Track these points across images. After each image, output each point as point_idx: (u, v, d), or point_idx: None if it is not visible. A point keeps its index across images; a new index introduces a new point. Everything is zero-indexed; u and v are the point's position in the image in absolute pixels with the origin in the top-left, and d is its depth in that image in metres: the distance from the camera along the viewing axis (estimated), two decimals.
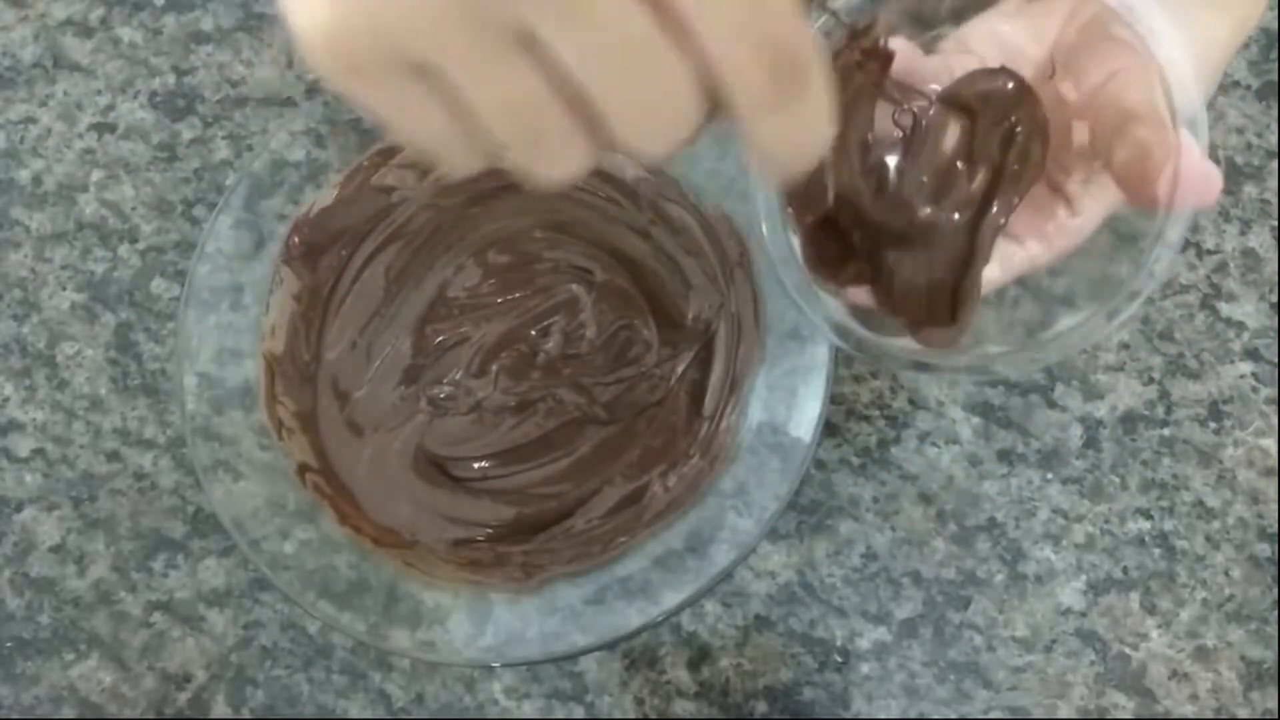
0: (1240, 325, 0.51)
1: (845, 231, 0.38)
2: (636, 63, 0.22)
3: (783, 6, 0.22)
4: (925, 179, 0.37)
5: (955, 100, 0.37)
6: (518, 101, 0.22)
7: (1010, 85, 0.36)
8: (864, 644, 0.48)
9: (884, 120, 0.38)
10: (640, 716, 0.48)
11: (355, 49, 0.23)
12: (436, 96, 0.23)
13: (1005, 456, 0.50)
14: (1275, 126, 0.52)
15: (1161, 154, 0.32)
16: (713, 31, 0.21)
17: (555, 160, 0.24)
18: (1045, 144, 0.36)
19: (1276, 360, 0.50)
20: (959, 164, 0.37)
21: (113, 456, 0.52)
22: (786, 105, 0.23)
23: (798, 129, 0.23)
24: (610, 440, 0.49)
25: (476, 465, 0.49)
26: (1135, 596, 0.48)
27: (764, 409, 0.48)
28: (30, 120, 0.57)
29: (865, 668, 0.48)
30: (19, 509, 0.52)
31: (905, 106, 0.37)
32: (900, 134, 0.38)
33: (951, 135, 0.37)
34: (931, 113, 0.37)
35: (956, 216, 0.37)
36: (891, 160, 0.38)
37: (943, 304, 0.37)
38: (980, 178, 0.37)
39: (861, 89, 0.37)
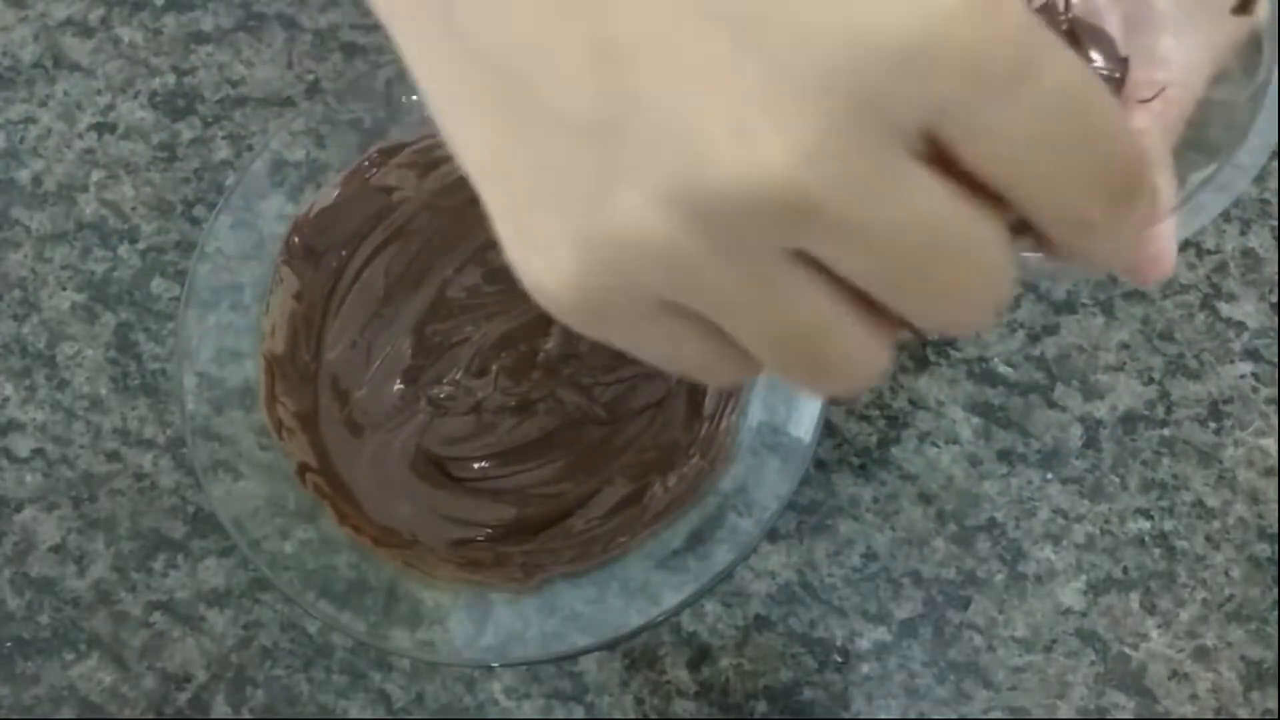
0: (1240, 325, 0.51)
1: None
2: (940, 251, 0.18)
3: (1110, 121, 0.18)
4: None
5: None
6: (792, 330, 0.19)
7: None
8: (864, 644, 0.48)
9: None
10: (640, 716, 0.48)
11: (606, 300, 0.20)
12: (699, 329, 0.20)
13: (1005, 456, 0.50)
14: (1275, 126, 0.52)
15: (1159, 211, 0.30)
16: (1035, 183, 0.18)
17: (846, 373, 0.20)
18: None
19: (1276, 360, 0.50)
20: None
21: (113, 456, 0.52)
22: (1119, 222, 0.19)
23: (1130, 236, 0.20)
24: (610, 440, 0.49)
25: (476, 465, 0.49)
26: (1135, 596, 0.48)
27: (764, 409, 0.48)
28: (30, 120, 0.57)
29: (865, 668, 0.48)
30: (19, 509, 0.52)
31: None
32: None
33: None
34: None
35: None
36: None
37: None
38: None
39: None
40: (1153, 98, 0.33)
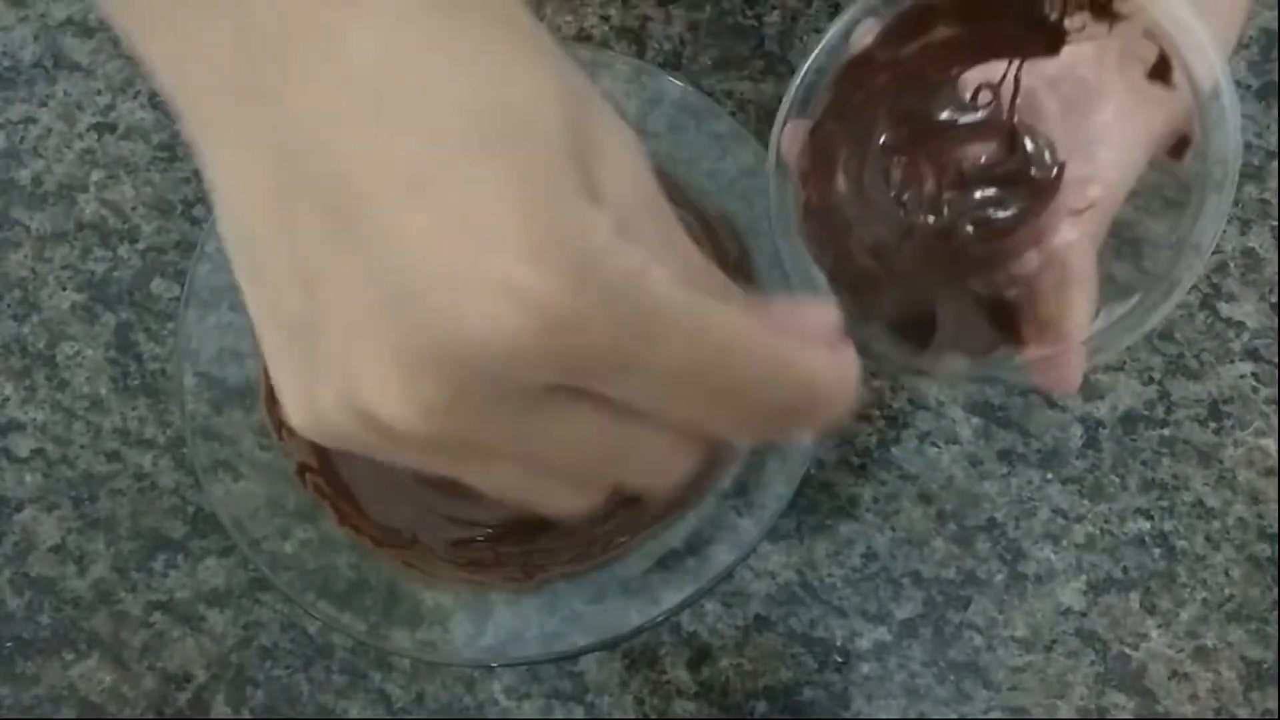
0: (1240, 325, 0.51)
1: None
2: (606, 456, 0.22)
3: (760, 365, 0.21)
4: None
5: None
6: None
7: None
8: (864, 644, 0.48)
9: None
10: (640, 716, 0.48)
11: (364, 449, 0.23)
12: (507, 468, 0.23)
13: (1005, 456, 0.50)
14: (1275, 127, 0.52)
15: (1075, 332, 0.33)
16: (700, 418, 0.22)
17: (656, 474, 0.24)
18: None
19: (1276, 360, 0.50)
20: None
21: (113, 456, 0.52)
22: (803, 429, 0.25)
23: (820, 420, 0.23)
24: None
25: None
26: (1135, 596, 0.48)
27: None
28: (30, 120, 0.57)
29: (865, 668, 0.48)
30: (19, 509, 0.52)
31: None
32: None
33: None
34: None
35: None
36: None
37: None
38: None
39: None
40: (1084, 209, 0.34)
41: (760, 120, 0.54)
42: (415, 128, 0.19)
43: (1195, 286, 0.51)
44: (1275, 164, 0.52)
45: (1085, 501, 0.49)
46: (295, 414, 0.23)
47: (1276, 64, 0.53)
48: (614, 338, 0.19)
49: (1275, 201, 0.52)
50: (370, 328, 0.20)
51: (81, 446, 0.52)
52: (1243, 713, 0.47)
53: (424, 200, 0.19)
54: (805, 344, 0.22)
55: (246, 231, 0.22)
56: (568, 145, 0.20)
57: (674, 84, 0.49)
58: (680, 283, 0.20)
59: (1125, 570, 0.49)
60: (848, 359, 0.23)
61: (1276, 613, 0.48)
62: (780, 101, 0.37)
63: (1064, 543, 0.49)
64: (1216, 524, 0.49)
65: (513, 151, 0.19)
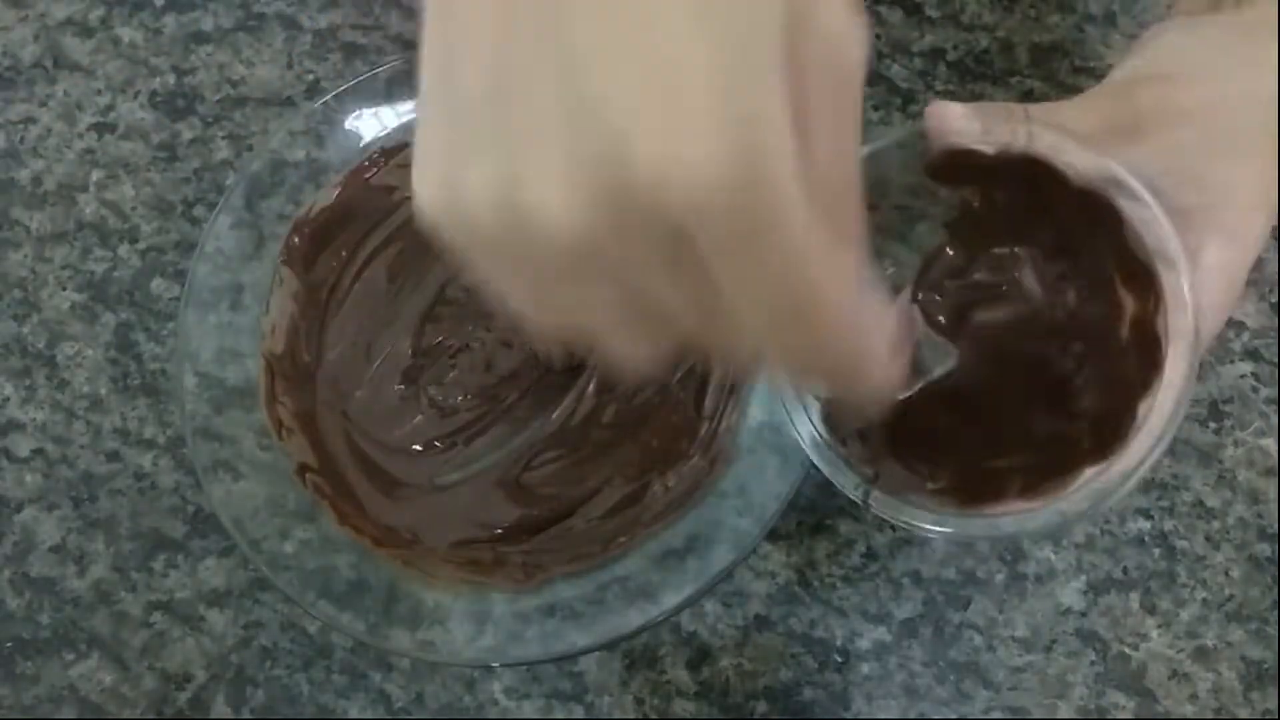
0: (1240, 325, 0.51)
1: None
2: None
3: (827, 315, 0.22)
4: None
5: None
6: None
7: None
8: (864, 644, 0.48)
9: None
10: (640, 716, 0.48)
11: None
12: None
13: None
14: None
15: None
16: (739, 327, 0.23)
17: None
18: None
19: (1276, 360, 0.50)
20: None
21: (113, 456, 0.52)
22: (835, 387, 0.25)
23: (862, 395, 0.25)
24: (610, 440, 0.49)
25: (476, 465, 0.49)
26: (1135, 596, 0.48)
27: (764, 409, 0.48)
28: (30, 120, 0.57)
29: (865, 668, 0.48)
30: (19, 509, 0.52)
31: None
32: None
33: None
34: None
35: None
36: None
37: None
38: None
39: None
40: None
41: None
42: None
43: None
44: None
45: None
46: (431, 187, 0.23)
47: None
48: (740, 225, 0.21)
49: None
50: (554, 131, 0.21)
51: (81, 446, 0.52)
52: (1243, 713, 0.47)
53: (628, 38, 0.20)
54: (880, 331, 0.24)
55: None
56: (782, 23, 0.21)
57: None
58: (815, 209, 0.21)
59: (1125, 570, 0.49)
60: (898, 367, 0.24)
61: (1276, 613, 0.48)
62: None
63: (1064, 542, 0.49)
64: (1216, 524, 0.49)
65: (728, 22, 0.20)
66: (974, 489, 0.36)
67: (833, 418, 0.36)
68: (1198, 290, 0.33)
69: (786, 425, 0.41)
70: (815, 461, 0.36)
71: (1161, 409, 0.33)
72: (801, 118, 0.21)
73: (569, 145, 0.20)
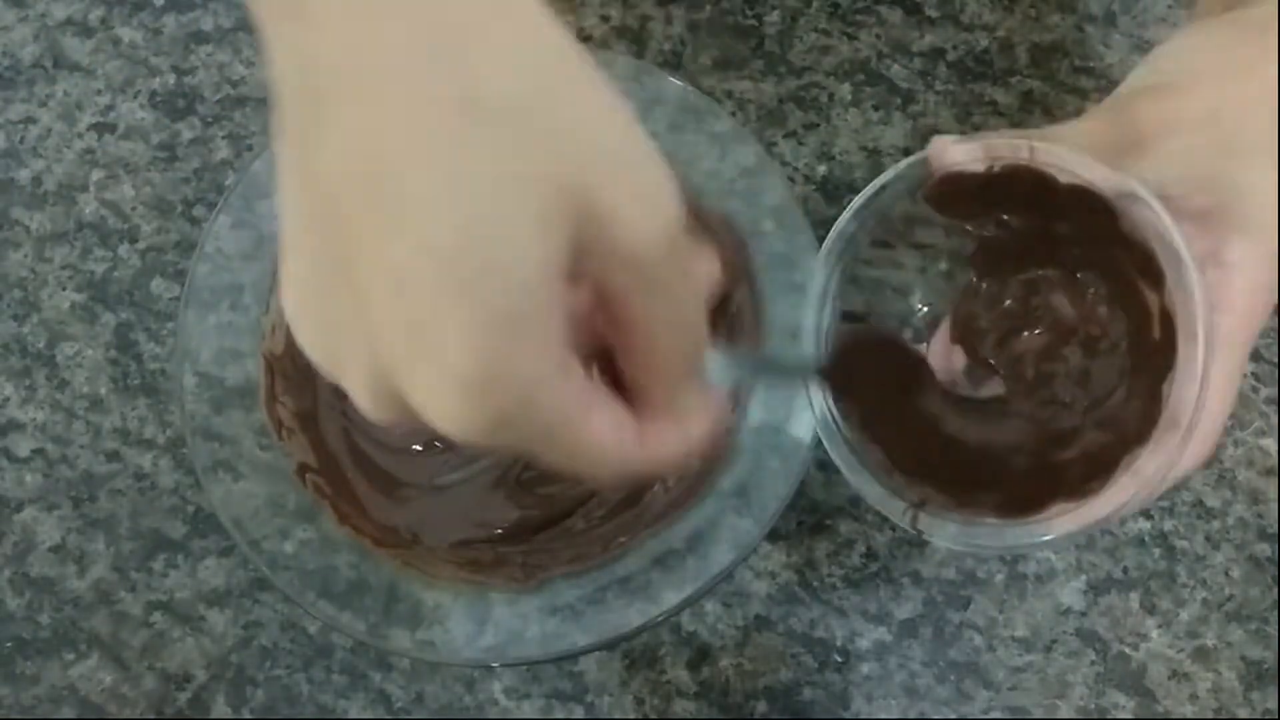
0: None
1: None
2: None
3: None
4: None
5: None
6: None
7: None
8: (864, 644, 0.48)
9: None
10: (640, 716, 0.48)
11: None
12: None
13: None
14: None
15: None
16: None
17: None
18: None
19: (1276, 360, 0.50)
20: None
21: (113, 456, 0.52)
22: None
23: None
24: None
25: (476, 465, 0.49)
26: (1135, 596, 0.48)
27: (764, 409, 0.48)
28: (30, 120, 0.57)
29: (865, 668, 0.48)
30: (19, 509, 0.52)
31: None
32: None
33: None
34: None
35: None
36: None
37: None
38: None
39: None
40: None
41: (760, 120, 0.54)
42: (407, 237, 0.23)
43: None
44: None
45: None
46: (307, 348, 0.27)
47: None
48: (521, 442, 0.25)
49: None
50: (355, 354, 0.25)
51: (81, 446, 0.52)
52: (1243, 713, 0.47)
53: (403, 312, 0.23)
54: (634, 452, 0.27)
55: (290, 222, 0.27)
56: (544, 256, 0.23)
57: (674, 84, 0.49)
58: (586, 412, 0.25)
59: (1125, 570, 0.49)
60: (671, 446, 0.28)
61: (1276, 613, 0.48)
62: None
63: None
64: (1216, 524, 0.49)
65: (482, 293, 0.22)
66: (1019, 503, 0.36)
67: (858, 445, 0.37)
68: (1224, 289, 0.33)
69: (786, 425, 0.41)
70: (858, 487, 0.36)
71: (1182, 401, 0.33)
72: (609, 297, 0.25)
73: (366, 366, 0.25)
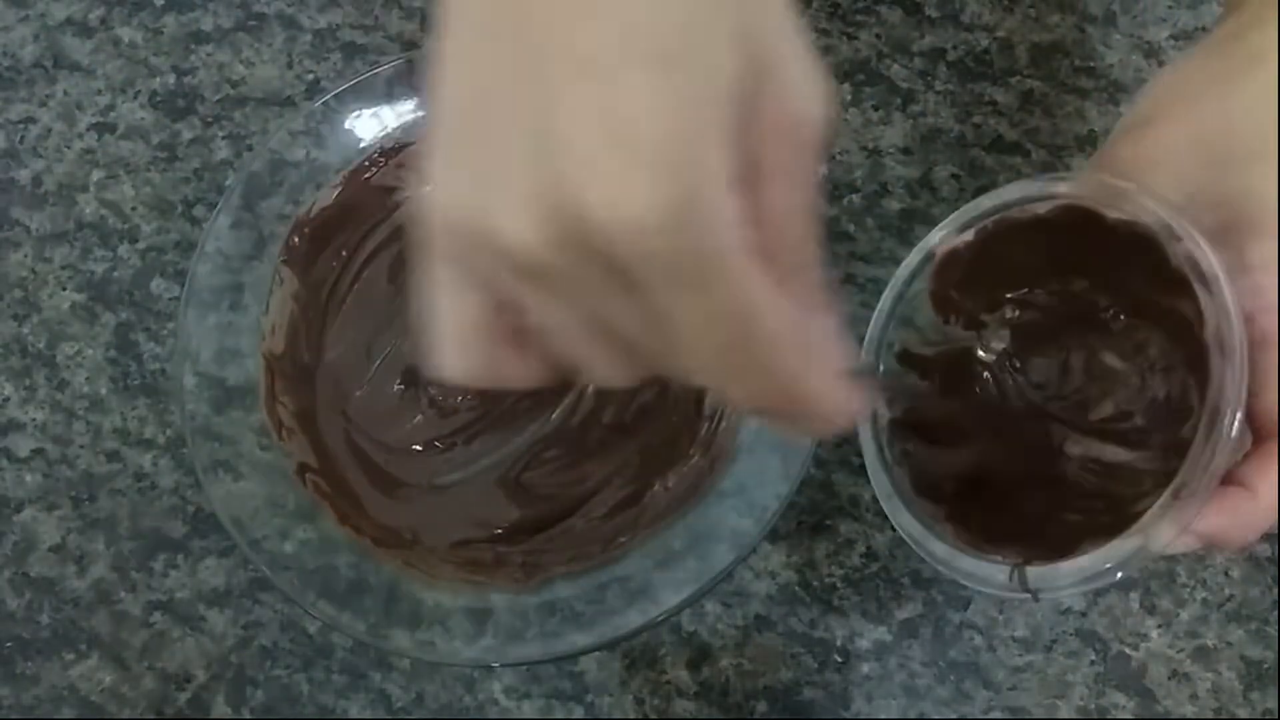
0: None
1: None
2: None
3: (771, 358, 0.25)
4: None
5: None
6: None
7: None
8: (864, 644, 0.48)
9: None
10: (640, 716, 0.48)
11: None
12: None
13: None
14: None
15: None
16: (695, 368, 0.25)
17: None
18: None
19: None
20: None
21: (113, 456, 0.52)
22: (778, 420, 0.27)
23: (804, 428, 0.28)
24: (610, 440, 0.49)
25: (476, 465, 0.49)
26: (1135, 596, 0.48)
27: None
28: (30, 120, 0.57)
29: (865, 668, 0.48)
30: (19, 509, 0.52)
31: None
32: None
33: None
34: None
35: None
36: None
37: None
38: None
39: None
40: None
41: None
42: (612, 20, 0.22)
43: None
44: None
45: None
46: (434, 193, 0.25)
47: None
48: (679, 265, 0.23)
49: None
50: (521, 166, 0.23)
51: (81, 446, 0.52)
52: (1243, 713, 0.47)
53: (593, 92, 0.22)
54: (823, 363, 0.26)
55: (463, 27, 0.25)
56: (736, 87, 0.23)
57: None
58: (756, 253, 0.23)
59: None
60: (844, 398, 0.26)
61: (1276, 613, 0.48)
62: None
63: None
64: None
65: (682, 82, 0.22)
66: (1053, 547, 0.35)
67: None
68: (1258, 292, 0.33)
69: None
70: (951, 572, 0.36)
71: (1219, 418, 0.32)
72: (754, 170, 0.24)
73: (533, 180, 0.23)
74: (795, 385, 0.25)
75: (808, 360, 0.25)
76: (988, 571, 0.35)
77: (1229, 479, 0.33)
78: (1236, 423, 0.32)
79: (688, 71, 0.22)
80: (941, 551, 0.36)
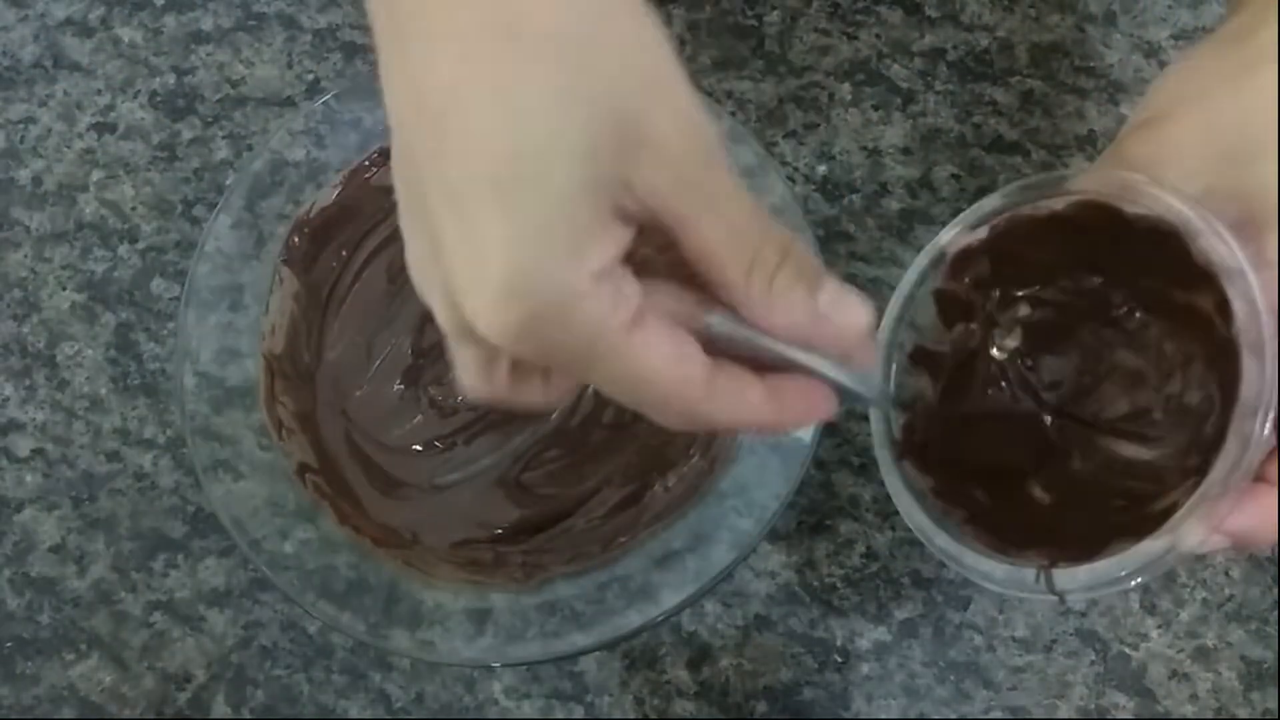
0: None
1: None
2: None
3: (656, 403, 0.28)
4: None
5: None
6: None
7: None
8: (864, 644, 0.48)
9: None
10: (640, 716, 0.48)
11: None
12: None
13: None
14: None
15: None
16: None
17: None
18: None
19: (1276, 360, 0.50)
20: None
21: (113, 456, 0.52)
22: None
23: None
24: (610, 440, 0.49)
25: (477, 465, 0.49)
26: (1135, 596, 0.48)
27: None
28: (30, 120, 0.57)
29: (865, 668, 0.48)
30: (19, 509, 0.52)
31: None
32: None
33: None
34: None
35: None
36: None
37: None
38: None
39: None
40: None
41: (760, 120, 0.54)
42: (458, 159, 0.25)
43: None
44: None
45: None
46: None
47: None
48: (554, 356, 0.27)
49: None
50: (430, 263, 0.28)
51: (81, 446, 0.52)
52: (1243, 713, 0.47)
53: (457, 227, 0.26)
54: (728, 407, 0.28)
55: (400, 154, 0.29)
56: (581, 179, 0.25)
57: None
58: (643, 321, 0.26)
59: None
60: (782, 414, 0.29)
61: (1276, 613, 0.48)
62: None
63: None
64: None
65: (516, 209, 0.25)
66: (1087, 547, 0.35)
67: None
68: (1274, 288, 0.33)
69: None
70: (981, 579, 0.36)
71: (1252, 416, 0.32)
72: (660, 216, 0.26)
73: (438, 278, 0.27)
74: (712, 422, 0.28)
75: (713, 402, 0.28)
76: (1014, 575, 0.35)
77: (1256, 476, 0.33)
78: (1270, 420, 0.32)
79: (524, 201, 0.25)
80: (971, 559, 0.36)
